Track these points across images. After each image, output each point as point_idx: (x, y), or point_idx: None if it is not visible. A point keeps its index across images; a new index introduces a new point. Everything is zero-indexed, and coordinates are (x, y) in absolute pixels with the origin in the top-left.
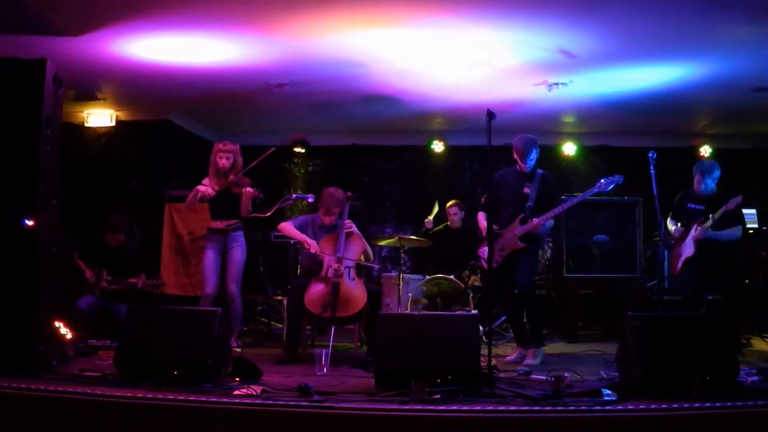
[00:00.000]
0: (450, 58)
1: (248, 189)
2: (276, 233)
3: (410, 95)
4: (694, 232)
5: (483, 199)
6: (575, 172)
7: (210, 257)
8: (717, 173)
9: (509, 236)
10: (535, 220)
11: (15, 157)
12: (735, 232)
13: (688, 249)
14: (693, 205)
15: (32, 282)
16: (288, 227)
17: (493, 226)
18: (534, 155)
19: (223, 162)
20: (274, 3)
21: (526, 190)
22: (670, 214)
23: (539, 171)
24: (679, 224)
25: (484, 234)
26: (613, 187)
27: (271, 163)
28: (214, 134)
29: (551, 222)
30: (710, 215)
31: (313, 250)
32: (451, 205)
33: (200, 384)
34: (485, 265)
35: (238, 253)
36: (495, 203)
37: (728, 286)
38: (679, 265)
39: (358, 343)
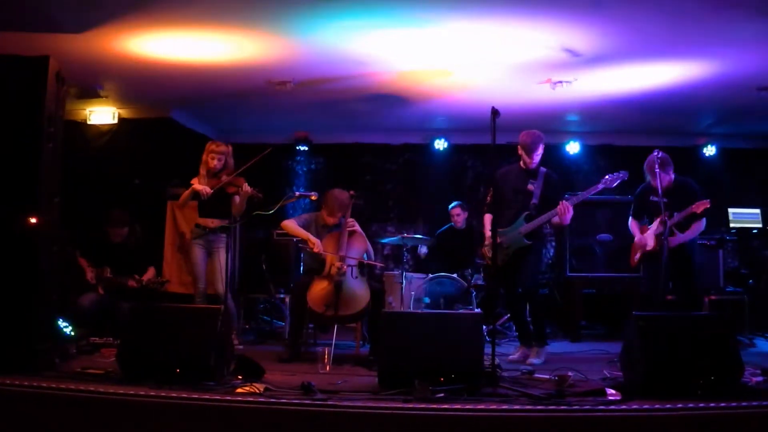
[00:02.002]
0: (453, 57)
1: (246, 187)
2: (279, 231)
3: (413, 93)
4: (656, 227)
5: (489, 198)
6: (579, 170)
7: (199, 254)
8: (669, 165)
9: (514, 234)
10: (564, 203)
11: (17, 155)
12: (699, 226)
13: (648, 242)
14: (656, 198)
15: (34, 280)
16: (291, 225)
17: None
18: (540, 151)
19: (215, 163)
20: (277, 0)
21: (530, 186)
22: (632, 210)
23: (542, 168)
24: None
25: (486, 241)
26: (618, 183)
27: (274, 161)
28: (216, 132)
29: (571, 212)
30: (674, 213)
31: (316, 249)
32: (453, 207)
33: (203, 382)
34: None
35: (223, 255)
36: (498, 202)
37: (685, 287)
38: (637, 256)
39: (361, 342)
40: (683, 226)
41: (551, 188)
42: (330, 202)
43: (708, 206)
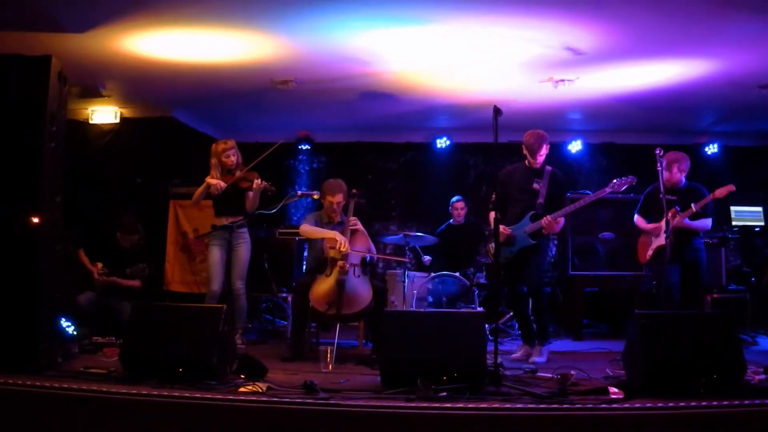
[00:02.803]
0: (455, 55)
1: (259, 181)
2: (281, 230)
3: (415, 92)
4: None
5: (493, 197)
6: (581, 169)
7: (216, 255)
8: (687, 164)
9: (519, 233)
10: (548, 217)
11: (19, 154)
12: (707, 222)
13: (659, 238)
14: (667, 196)
15: (36, 279)
16: (310, 229)
17: (501, 226)
18: (544, 151)
19: (232, 159)
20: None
21: (536, 186)
22: (638, 208)
23: (548, 167)
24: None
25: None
26: (626, 188)
27: (276, 160)
28: (218, 131)
29: (563, 220)
30: (691, 204)
31: (343, 248)
32: (458, 200)
33: (205, 381)
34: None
35: (244, 250)
36: (503, 200)
37: (691, 290)
38: (649, 253)
39: (363, 341)
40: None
41: (557, 187)
42: (328, 187)
43: (733, 190)
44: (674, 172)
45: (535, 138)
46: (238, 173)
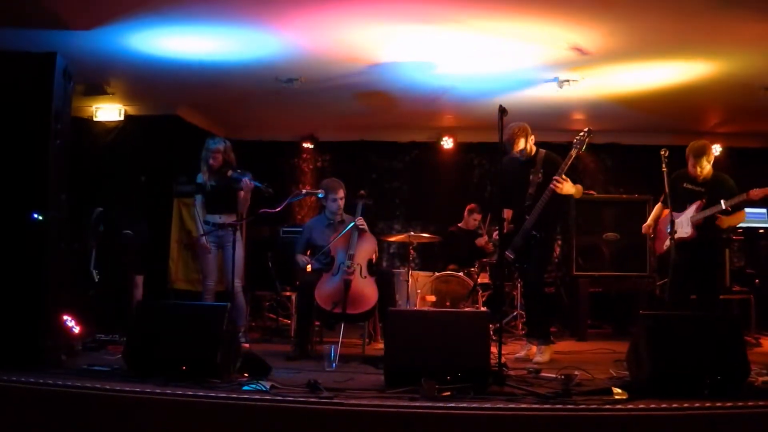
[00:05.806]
0: (461, 54)
1: (247, 181)
2: (285, 228)
3: (420, 91)
4: (692, 213)
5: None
6: (585, 170)
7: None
8: (711, 155)
9: (524, 229)
10: (555, 177)
11: (25, 152)
12: (740, 217)
13: (683, 229)
14: (691, 185)
15: (40, 277)
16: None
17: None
18: (522, 145)
19: (212, 162)
20: None
21: (531, 177)
22: (662, 198)
23: (541, 151)
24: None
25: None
26: (587, 139)
27: (280, 158)
28: (222, 129)
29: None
30: (720, 200)
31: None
32: (478, 212)
33: (209, 379)
34: (511, 255)
35: (238, 248)
36: (508, 195)
37: (710, 286)
38: (666, 244)
39: (367, 340)
40: (714, 218)
41: (554, 168)
42: (329, 186)
43: None
44: (704, 165)
45: (507, 136)
46: (230, 172)
